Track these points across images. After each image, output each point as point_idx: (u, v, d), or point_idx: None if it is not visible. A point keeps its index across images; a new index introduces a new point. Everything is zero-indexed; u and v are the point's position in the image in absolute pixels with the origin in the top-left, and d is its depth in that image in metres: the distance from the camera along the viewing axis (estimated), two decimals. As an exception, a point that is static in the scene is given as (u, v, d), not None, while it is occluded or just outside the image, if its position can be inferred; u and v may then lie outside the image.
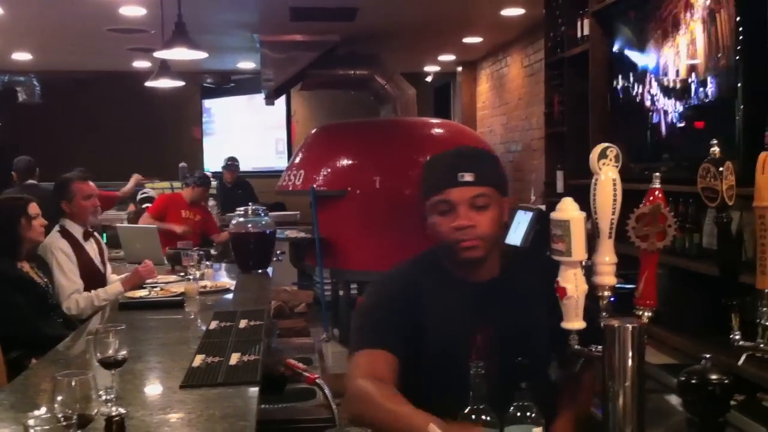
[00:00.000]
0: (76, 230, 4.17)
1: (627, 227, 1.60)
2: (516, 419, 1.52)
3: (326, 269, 6.62)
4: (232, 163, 9.09)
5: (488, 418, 1.51)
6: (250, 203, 4.85)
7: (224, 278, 4.52)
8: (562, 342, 1.65)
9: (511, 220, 4.77)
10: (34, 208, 3.76)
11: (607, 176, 1.59)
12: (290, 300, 6.65)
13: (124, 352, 2.10)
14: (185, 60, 5.59)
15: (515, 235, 4.55)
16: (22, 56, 8.83)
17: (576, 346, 1.63)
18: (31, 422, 1.46)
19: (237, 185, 9.02)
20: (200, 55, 4.70)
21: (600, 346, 1.60)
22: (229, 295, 4.02)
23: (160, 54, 4.88)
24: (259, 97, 10.27)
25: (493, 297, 1.93)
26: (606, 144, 1.63)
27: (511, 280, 1.97)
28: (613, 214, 1.59)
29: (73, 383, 1.70)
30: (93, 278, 4.11)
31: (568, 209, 1.59)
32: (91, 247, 4.24)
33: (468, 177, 1.85)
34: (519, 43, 7.25)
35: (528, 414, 1.51)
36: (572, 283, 1.59)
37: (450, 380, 1.82)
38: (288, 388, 3.26)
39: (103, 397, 2.11)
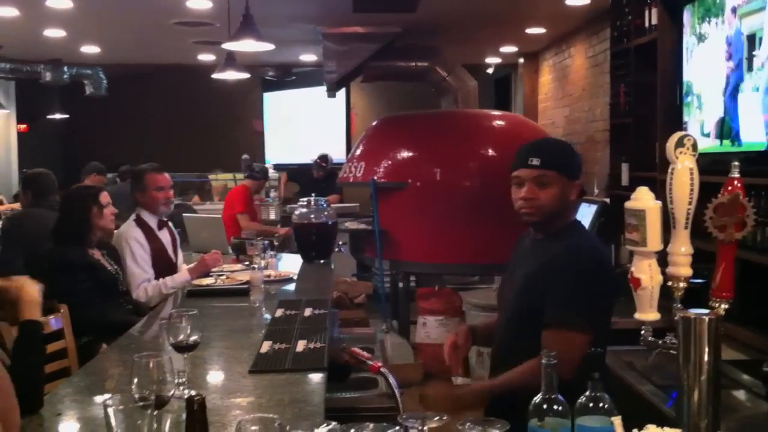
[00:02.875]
0: (151, 220, 4.25)
1: (704, 218, 1.57)
2: (588, 410, 1.50)
3: (385, 261, 6.64)
4: (319, 163, 9.14)
5: (559, 408, 1.50)
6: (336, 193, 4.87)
7: (287, 268, 4.56)
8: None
9: (575, 213, 4.71)
10: (105, 197, 3.85)
11: (683, 165, 1.56)
12: (350, 291, 6.68)
13: (195, 337, 2.15)
14: (250, 52, 5.65)
15: (579, 228, 4.49)
16: (90, 49, 9.04)
17: (650, 338, 1.60)
18: (109, 402, 1.50)
19: (324, 180, 9.06)
20: (267, 47, 4.76)
21: (674, 339, 1.57)
22: (292, 285, 4.06)
23: (228, 46, 4.95)
24: (319, 90, 10.35)
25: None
26: (682, 132, 1.60)
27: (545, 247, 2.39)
28: (690, 203, 1.57)
29: (151, 365, 1.74)
30: (165, 267, 4.18)
31: (643, 198, 1.57)
32: (164, 237, 4.31)
33: (535, 161, 2.33)
34: (583, 33, 7.14)
35: (601, 405, 1.50)
36: (647, 273, 1.56)
37: None
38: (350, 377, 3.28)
39: (175, 381, 2.16)
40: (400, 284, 6.70)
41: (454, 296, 6.28)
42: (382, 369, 2.76)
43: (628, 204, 1.59)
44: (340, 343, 3.50)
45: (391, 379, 2.74)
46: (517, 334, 2.37)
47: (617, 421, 1.30)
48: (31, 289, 2.32)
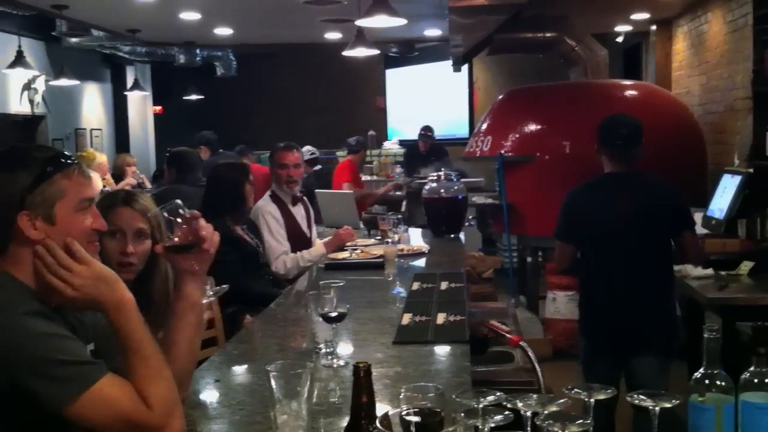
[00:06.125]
0: (284, 196, 4.37)
1: None
2: (753, 385, 1.45)
3: (513, 235, 6.60)
4: (425, 134, 9.09)
5: (723, 384, 1.46)
6: (442, 169, 4.90)
7: (417, 242, 4.60)
8: None
9: (716, 185, 4.52)
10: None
11: None
12: (478, 265, 6.67)
13: (342, 309, 2.21)
14: (376, 29, 5.68)
15: (721, 201, 4.29)
16: (223, 31, 9.32)
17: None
18: (270, 367, 1.57)
19: (430, 153, 9.04)
20: (400, 22, 4.79)
21: None
22: (424, 259, 4.09)
23: (361, 22, 5.01)
24: (441, 65, 10.32)
25: None
26: None
27: None
28: None
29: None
30: (299, 241, 4.30)
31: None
32: (299, 213, 4.42)
33: None
34: (721, -3, 6.80)
35: (767, 381, 1.45)
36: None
37: None
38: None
39: (323, 350, 2.24)
40: (528, 259, 6.66)
41: (584, 271, 6.19)
42: (521, 343, 2.74)
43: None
44: (475, 317, 3.52)
45: (531, 353, 2.73)
46: None
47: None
48: None
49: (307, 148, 8.25)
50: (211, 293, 1.88)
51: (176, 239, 1.81)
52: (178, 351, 1.79)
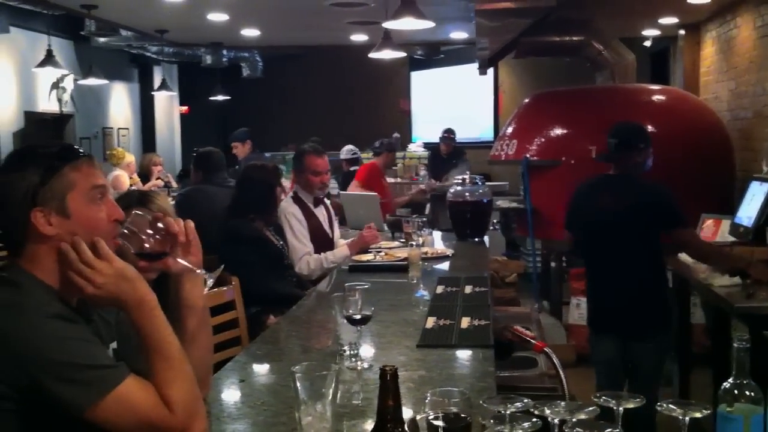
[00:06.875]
0: (308, 198, 4.38)
1: None
2: (782, 397, 1.44)
3: (537, 240, 6.56)
4: (447, 136, 9.08)
5: (752, 394, 1.44)
6: (467, 172, 4.89)
7: (441, 246, 4.59)
8: None
9: (744, 192, 4.47)
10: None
11: None
12: (501, 270, 6.66)
13: (367, 312, 2.21)
14: (402, 32, 5.68)
15: (749, 208, 4.24)
16: (250, 32, 9.37)
17: None
18: (296, 368, 1.57)
19: (452, 155, 9.03)
20: (427, 24, 4.80)
21: None
22: (448, 262, 4.08)
23: (389, 24, 5.01)
24: (466, 68, 10.29)
25: None
26: None
27: None
28: None
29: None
30: (322, 242, 4.30)
31: None
32: (321, 214, 4.43)
33: None
34: (751, 2, 6.72)
35: (796, 392, 1.43)
36: None
37: None
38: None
39: (347, 352, 2.24)
40: (552, 264, 6.62)
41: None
42: (546, 348, 2.73)
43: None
44: (499, 322, 3.51)
45: (555, 359, 2.72)
46: None
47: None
48: None
49: (348, 148, 8.30)
50: (211, 281, 1.82)
51: (147, 246, 1.72)
52: (187, 349, 1.76)
